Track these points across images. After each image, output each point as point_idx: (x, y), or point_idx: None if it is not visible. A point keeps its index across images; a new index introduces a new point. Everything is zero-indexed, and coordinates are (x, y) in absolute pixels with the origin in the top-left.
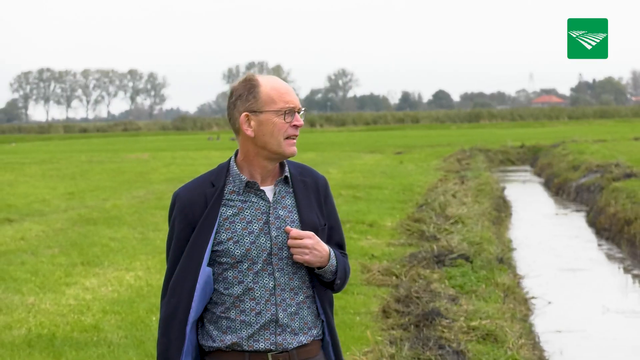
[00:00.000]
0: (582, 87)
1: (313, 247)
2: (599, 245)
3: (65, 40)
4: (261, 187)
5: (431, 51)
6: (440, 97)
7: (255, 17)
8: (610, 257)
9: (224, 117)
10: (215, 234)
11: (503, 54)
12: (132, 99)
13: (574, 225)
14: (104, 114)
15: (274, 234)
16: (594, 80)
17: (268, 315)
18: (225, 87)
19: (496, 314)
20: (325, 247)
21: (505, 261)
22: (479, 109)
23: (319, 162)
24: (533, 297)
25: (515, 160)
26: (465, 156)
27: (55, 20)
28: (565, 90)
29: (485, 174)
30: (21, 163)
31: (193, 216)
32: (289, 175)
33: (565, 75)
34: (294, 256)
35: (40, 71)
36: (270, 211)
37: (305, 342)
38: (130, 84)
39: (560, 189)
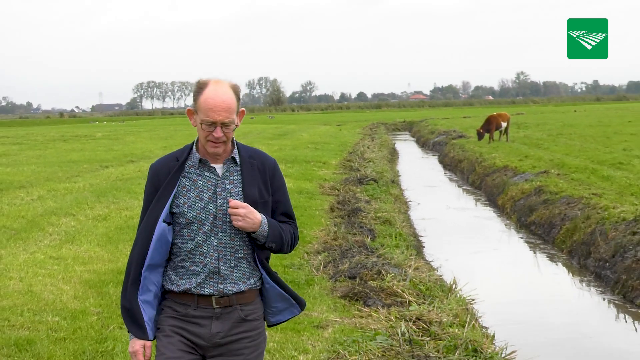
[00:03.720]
0: (437, 90)
1: (245, 215)
2: (445, 173)
3: (162, 63)
4: (213, 165)
5: (356, 68)
6: (361, 95)
7: (262, 47)
8: (450, 180)
9: (249, 106)
10: (175, 199)
11: (388, 71)
12: None
13: (431, 163)
14: (182, 105)
15: (219, 202)
16: (442, 86)
17: (212, 267)
18: (246, 91)
19: (390, 210)
20: (257, 217)
21: (395, 182)
22: (381, 101)
23: (297, 130)
24: (410, 200)
25: (401, 128)
26: (374, 127)
27: (155, 52)
28: (427, 91)
29: (385, 136)
30: (138, 131)
31: (159, 183)
32: (236, 157)
33: (427, 82)
34: (233, 222)
35: (149, 82)
36: (219, 184)
37: (243, 289)
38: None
39: (424, 144)
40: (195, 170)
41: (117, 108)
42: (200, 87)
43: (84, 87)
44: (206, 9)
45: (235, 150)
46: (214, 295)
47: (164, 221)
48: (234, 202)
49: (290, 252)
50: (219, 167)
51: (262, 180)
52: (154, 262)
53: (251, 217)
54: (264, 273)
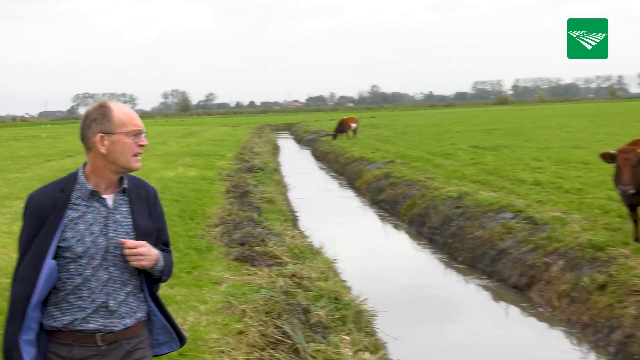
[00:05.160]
0: (310, 98)
1: (147, 253)
2: (316, 163)
3: (96, 78)
4: (103, 196)
5: (248, 81)
6: (251, 103)
7: (174, 65)
8: (320, 168)
9: (163, 112)
10: (62, 232)
11: (272, 83)
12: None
13: (306, 155)
14: None
15: (111, 235)
16: (314, 95)
17: (100, 302)
18: (162, 100)
19: (273, 191)
20: (155, 251)
21: (277, 170)
22: (267, 108)
23: (201, 130)
24: (288, 184)
25: (282, 129)
26: (261, 127)
27: (90, 69)
28: (303, 99)
29: (269, 135)
30: (75, 132)
31: (43, 216)
32: (126, 187)
33: (302, 93)
34: (132, 263)
35: (84, 93)
36: (109, 216)
37: (130, 324)
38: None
39: (300, 141)
40: (83, 201)
41: (59, 114)
42: (105, 108)
43: (33, 97)
44: (129, 34)
45: (125, 180)
46: (99, 330)
47: (54, 258)
48: (130, 242)
49: (167, 281)
50: (109, 198)
51: (148, 209)
52: (40, 299)
53: (151, 253)
54: (153, 306)
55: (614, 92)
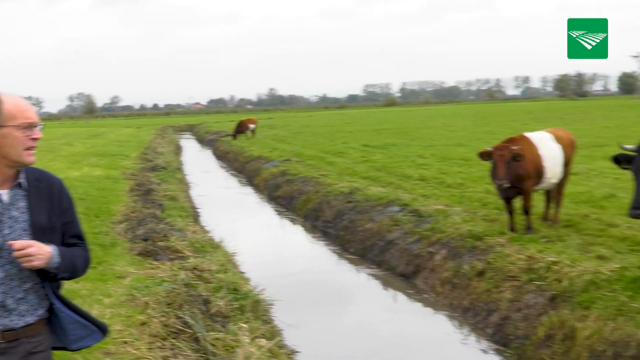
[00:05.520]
0: (211, 101)
1: (37, 253)
2: (217, 162)
3: (9, 84)
4: None
5: (151, 85)
6: (155, 105)
7: (80, 69)
8: (221, 166)
9: (69, 114)
10: None
11: (175, 87)
12: None
13: (207, 155)
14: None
15: (6, 231)
16: (215, 98)
17: None
18: (68, 103)
19: (175, 189)
20: (47, 250)
21: (179, 169)
22: (170, 110)
23: (106, 132)
24: (190, 182)
25: (184, 130)
26: (165, 129)
27: (7, 73)
28: (204, 102)
29: (172, 135)
30: None
31: None
32: (23, 181)
33: (204, 95)
34: (22, 264)
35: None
36: (4, 212)
37: (31, 322)
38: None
39: (202, 141)
40: None
41: None
42: None
43: None
44: (35, 38)
45: (22, 174)
46: None
47: None
48: (18, 243)
49: (83, 275)
50: (4, 193)
51: (50, 203)
52: None
53: (42, 252)
54: (57, 303)
55: (492, 94)
